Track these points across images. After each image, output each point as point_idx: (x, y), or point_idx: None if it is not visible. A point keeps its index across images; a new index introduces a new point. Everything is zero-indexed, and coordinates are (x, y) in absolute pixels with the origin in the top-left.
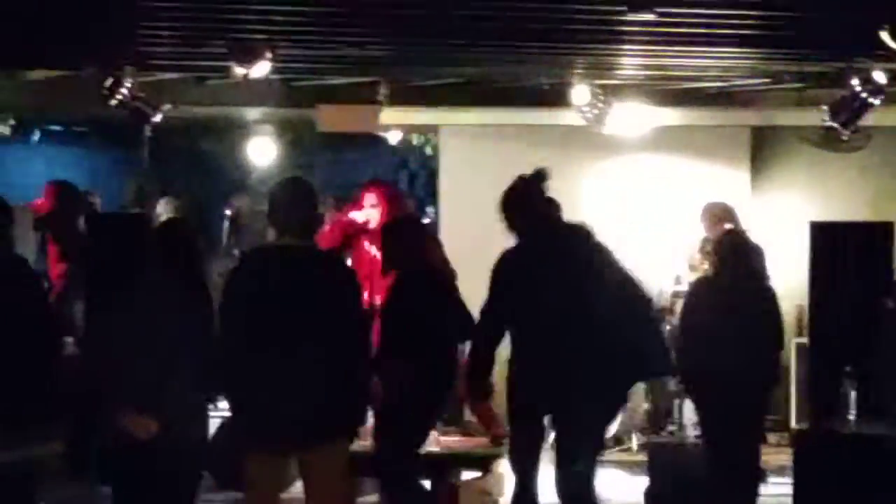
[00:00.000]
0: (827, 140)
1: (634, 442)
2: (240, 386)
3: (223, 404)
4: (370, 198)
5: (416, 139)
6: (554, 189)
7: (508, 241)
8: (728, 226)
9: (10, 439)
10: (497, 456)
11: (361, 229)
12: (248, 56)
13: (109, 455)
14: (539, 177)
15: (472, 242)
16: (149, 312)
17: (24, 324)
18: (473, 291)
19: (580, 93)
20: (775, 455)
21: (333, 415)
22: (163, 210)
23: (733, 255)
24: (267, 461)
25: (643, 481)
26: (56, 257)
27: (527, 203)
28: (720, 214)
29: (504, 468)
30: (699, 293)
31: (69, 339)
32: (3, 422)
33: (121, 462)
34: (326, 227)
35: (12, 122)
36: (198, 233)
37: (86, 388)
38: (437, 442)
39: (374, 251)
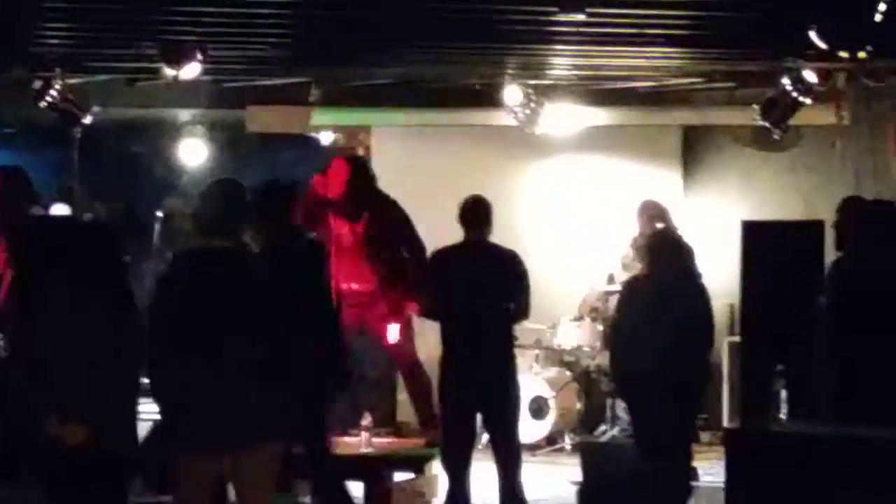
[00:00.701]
0: (758, 139)
1: (567, 442)
2: (169, 389)
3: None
4: (334, 167)
5: (347, 140)
6: (486, 189)
7: (439, 239)
8: (660, 224)
9: None
10: (430, 457)
11: (324, 200)
12: (178, 57)
13: (39, 458)
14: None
15: None
16: (74, 316)
17: None
18: None
19: (512, 93)
20: (707, 453)
21: (264, 417)
22: (89, 212)
23: (664, 254)
24: (197, 465)
25: (576, 481)
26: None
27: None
28: (654, 213)
29: (437, 469)
30: (631, 292)
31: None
32: None
33: (50, 465)
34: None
35: None
36: (123, 235)
37: (14, 391)
38: (369, 443)
39: (343, 226)
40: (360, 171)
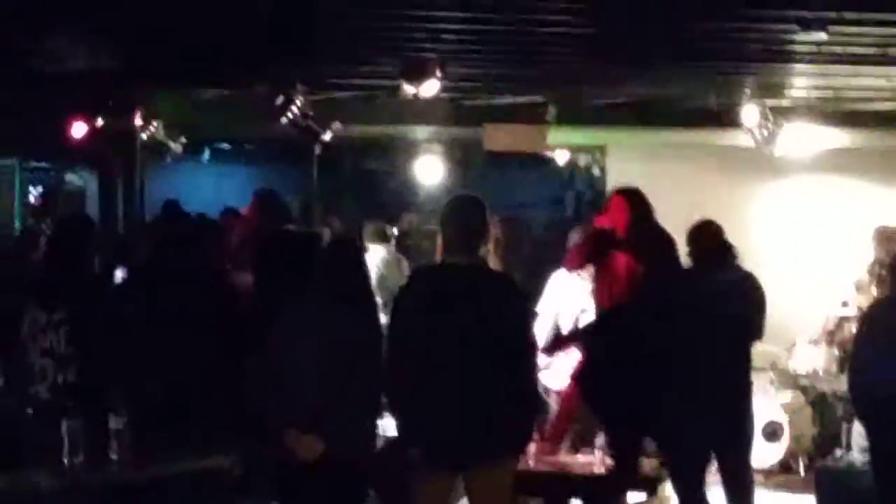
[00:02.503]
0: None
1: (801, 467)
2: (409, 404)
3: (388, 422)
4: (614, 204)
5: (583, 159)
6: (722, 209)
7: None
8: None
9: (186, 450)
10: (663, 478)
11: (608, 236)
12: (419, 75)
13: (278, 472)
14: None
15: None
16: (315, 332)
17: (214, 337)
18: None
19: (750, 113)
20: None
21: (502, 433)
22: (330, 228)
23: None
24: (434, 480)
25: None
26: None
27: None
28: (892, 236)
29: (670, 491)
30: (871, 316)
31: None
32: (181, 433)
33: (288, 480)
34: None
35: (184, 140)
36: (362, 250)
37: (254, 403)
38: (603, 463)
39: (620, 256)
40: (638, 204)
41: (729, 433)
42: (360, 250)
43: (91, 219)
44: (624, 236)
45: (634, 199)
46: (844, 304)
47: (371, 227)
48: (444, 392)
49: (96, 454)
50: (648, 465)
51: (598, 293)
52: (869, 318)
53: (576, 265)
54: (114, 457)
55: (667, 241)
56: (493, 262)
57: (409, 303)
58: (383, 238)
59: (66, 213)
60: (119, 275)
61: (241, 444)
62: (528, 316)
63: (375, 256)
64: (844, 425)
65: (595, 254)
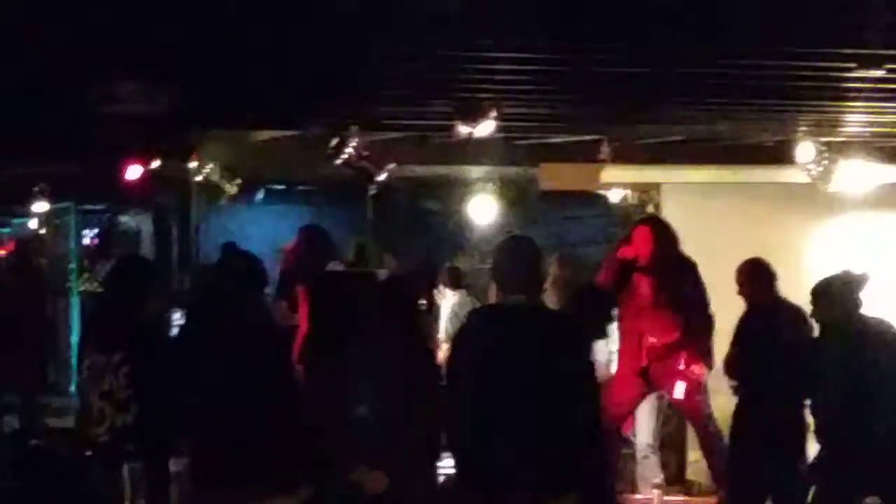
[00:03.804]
0: None
1: None
2: (466, 444)
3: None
4: (639, 234)
5: (637, 197)
6: (778, 246)
7: (729, 298)
8: None
9: (253, 491)
10: None
11: (632, 265)
12: (473, 115)
13: None
14: None
15: None
16: (372, 369)
17: (271, 376)
18: None
19: (805, 150)
20: None
21: (563, 473)
22: (386, 268)
23: None
24: None
25: None
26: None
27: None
28: None
29: None
30: None
31: None
32: (246, 473)
33: None
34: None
35: (238, 181)
36: (420, 291)
37: (319, 439)
38: (661, 502)
39: (645, 285)
40: (663, 234)
41: (784, 472)
42: (412, 289)
43: (149, 260)
44: (648, 264)
45: (658, 229)
46: None
47: (446, 272)
48: (503, 432)
49: (157, 497)
50: (705, 501)
51: (625, 315)
52: None
53: None
54: (174, 499)
55: (691, 269)
56: (552, 299)
57: (468, 343)
58: (457, 282)
59: (124, 255)
60: (176, 317)
61: (303, 484)
62: (588, 353)
63: (450, 300)
64: None
65: (619, 283)
